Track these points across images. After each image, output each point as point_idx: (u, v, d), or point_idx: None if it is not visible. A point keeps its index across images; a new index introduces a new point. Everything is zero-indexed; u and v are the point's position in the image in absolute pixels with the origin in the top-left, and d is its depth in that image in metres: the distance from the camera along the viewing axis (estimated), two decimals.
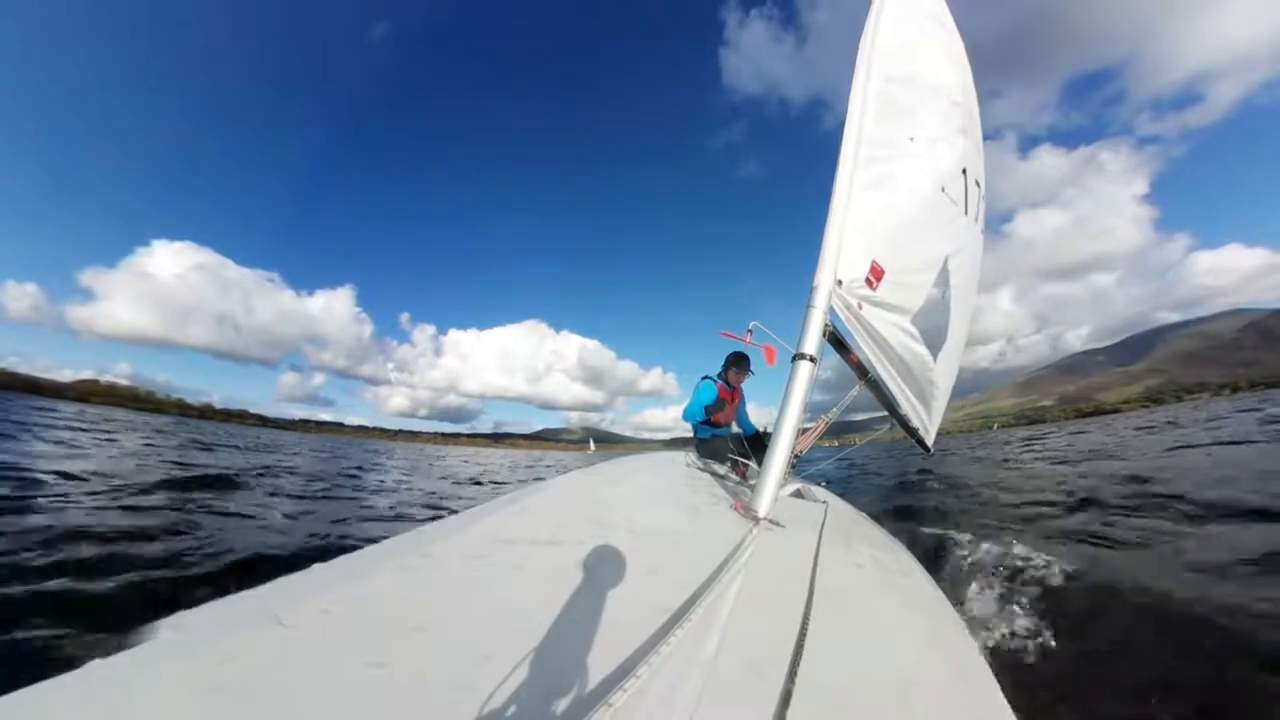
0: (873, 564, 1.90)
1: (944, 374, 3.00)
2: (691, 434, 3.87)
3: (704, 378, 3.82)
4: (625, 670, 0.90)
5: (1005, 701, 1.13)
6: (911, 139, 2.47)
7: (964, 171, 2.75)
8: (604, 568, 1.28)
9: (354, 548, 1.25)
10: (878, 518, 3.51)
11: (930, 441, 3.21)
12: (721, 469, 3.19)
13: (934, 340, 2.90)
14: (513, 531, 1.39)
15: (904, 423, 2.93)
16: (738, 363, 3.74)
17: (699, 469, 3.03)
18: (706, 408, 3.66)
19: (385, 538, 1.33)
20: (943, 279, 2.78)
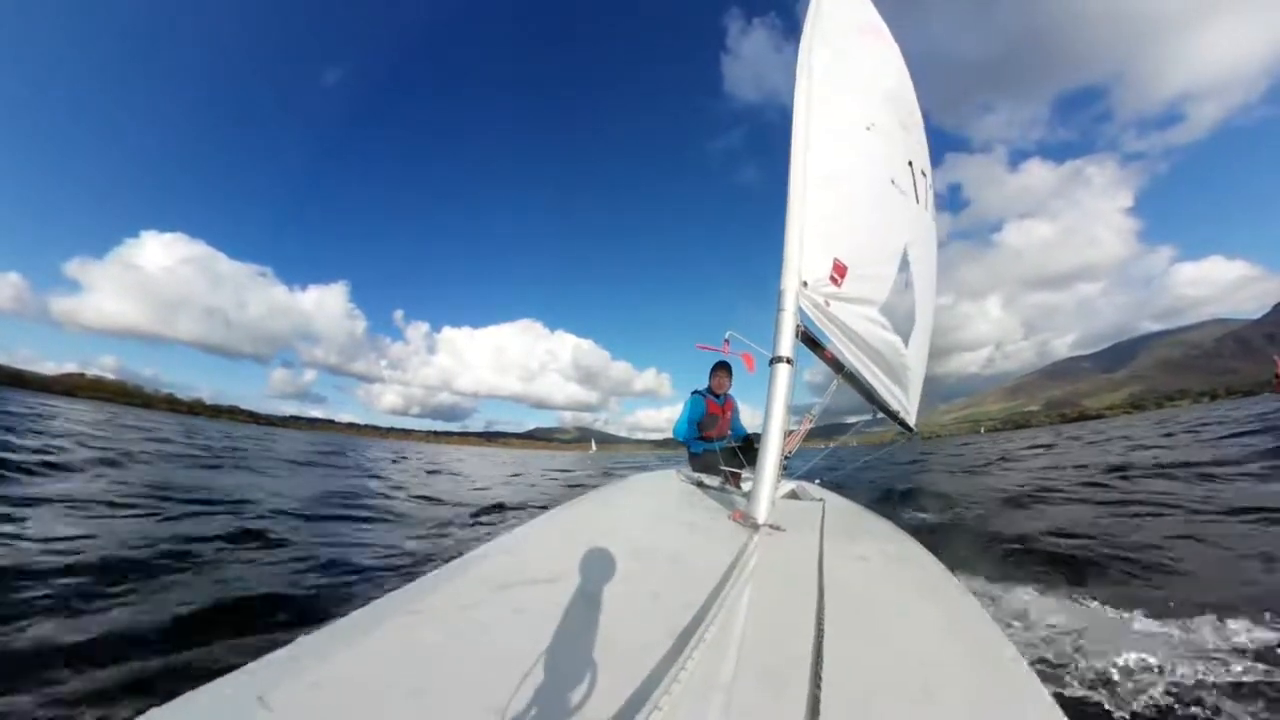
0: (879, 555, 1.91)
1: (916, 356, 3.12)
2: (673, 435, 3.90)
3: (694, 393, 3.88)
4: (641, 700, 0.86)
5: (1038, 680, 1.09)
6: (855, 140, 2.60)
7: (910, 163, 2.89)
8: (608, 598, 1.25)
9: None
10: (876, 506, 3.58)
11: (912, 422, 3.33)
12: (714, 481, 3.20)
13: (903, 326, 3.03)
14: (508, 574, 1.35)
15: (884, 408, 3.03)
16: (717, 371, 3.81)
17: (692, 484, 3.03)
18: (697, 424, 3.70)
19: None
20: (904, 267, 2.90)
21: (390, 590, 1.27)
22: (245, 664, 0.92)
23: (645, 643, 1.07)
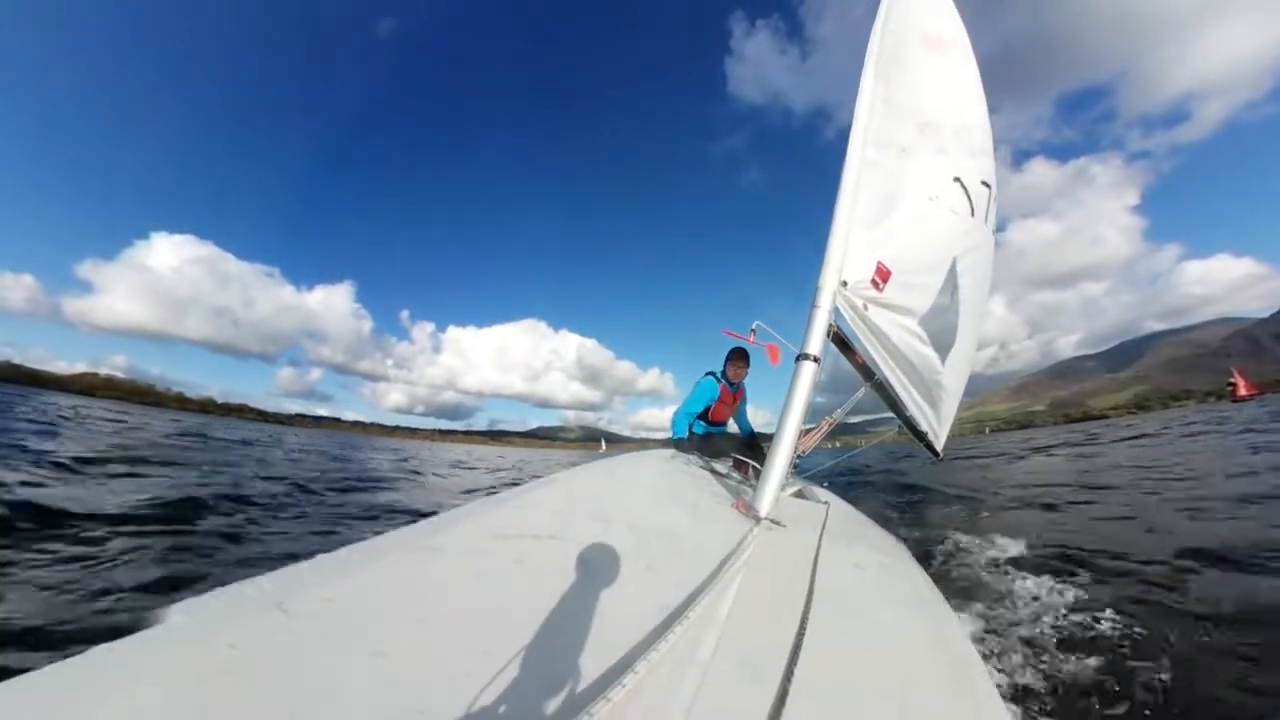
0: (874, 566, 1.89)
1: (953, 377, 2.96)
2: (671, 433, 3.75)
3: (707, 373, 3.81)
4: (623, 667, 0.90)
5: (1003, 705, 1.11)
6: (908, 145, 2.47)
7: (968, 174, 2.73)
8: (604, 564, 1.27)
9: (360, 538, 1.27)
10: (879, 519, 3.46)
11: (940, 446, 3.17)
12: (723, 467, 3.16)
13: (942, 342, 2.87)
14: (514, 526, 1.39)
15: (912, 426, 2.89)
16: (738, 359, 3.72)
17: (700, 466, 3.00)
18: (707, 408, 3.63)
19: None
20: (950, 280, 2.75)
21: (405, 525, 1.34)
22: (274, 570, 1.01)
23: (634, 613, 1.10)
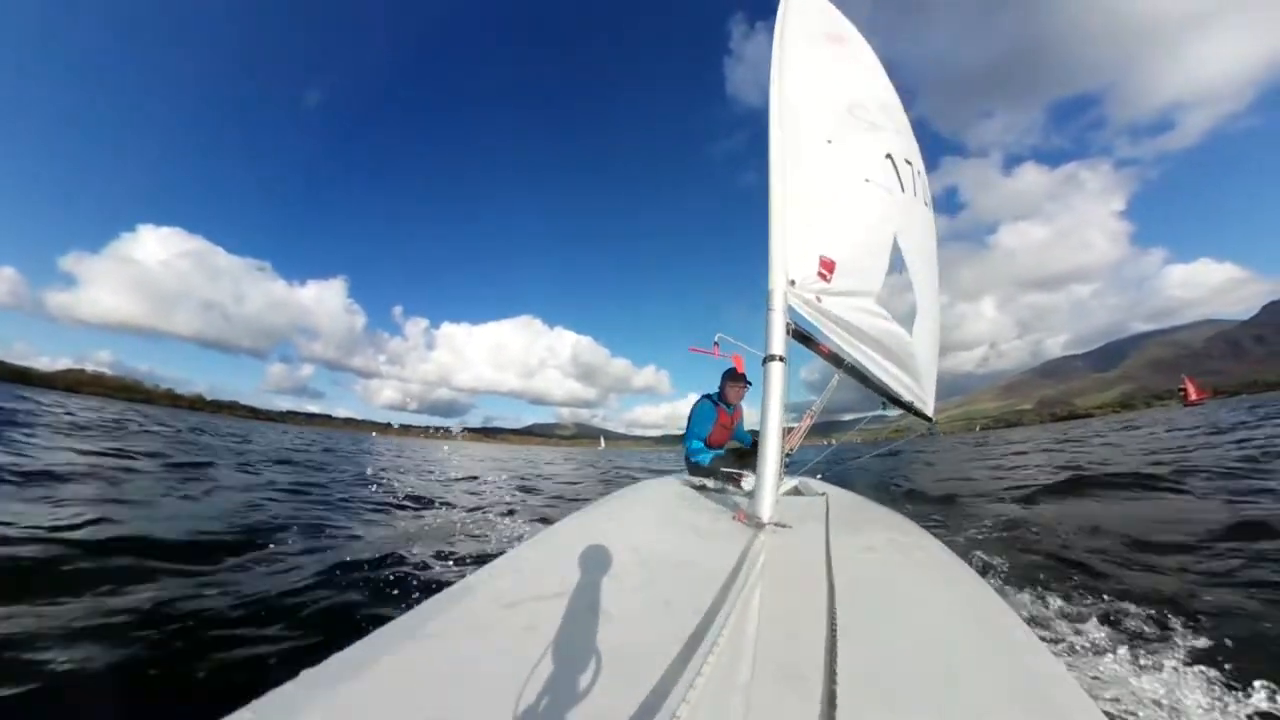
0: (886, 545, 1.89)
1: (923, 343, 3.08)
2: (694, 461, 3.66)
3: (703, 397, 3.81)
4: (660, 708, 0.86)
5: (1054, 658, 1.09)
6: (829, 140, 2.66)
7: (888, 156, 2.91)
8: (619, 608, 1.23)
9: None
10: (879, 497, 3.52)
11: (930, 411, 3.25)
12: (715, 484, 3.18)
13: (905, 313, 3.00)
14: (516, 592, 1.32)
15: (896, 399, 2.98)
16: (735, 380, 3.70)
17: (693, 488, 3.02)
18: (706, 438, 3.64)
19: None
20: (897, 254, 2.89)
21: (399, 613, 1.23)
22: (250, 701, 0.87)
23: (660, 650, 1.05)
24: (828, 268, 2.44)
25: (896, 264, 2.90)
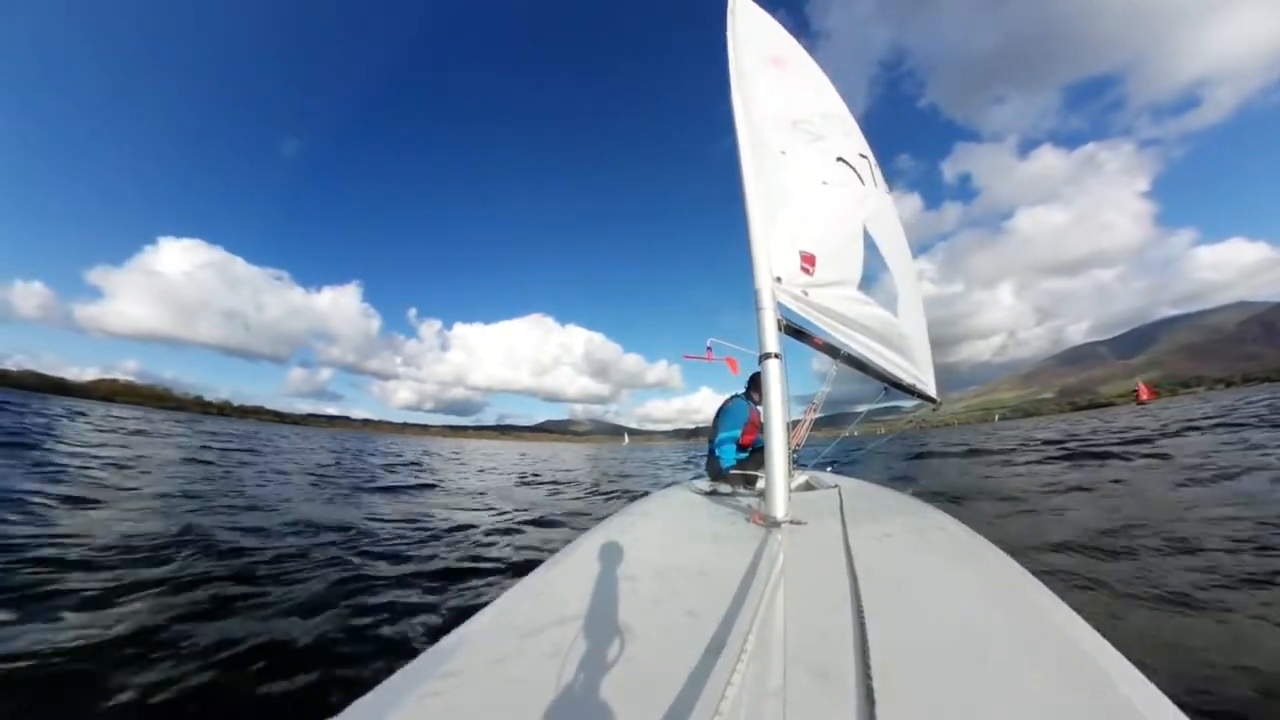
0: (904, 529, 1.86)
1: (911, 322, 3.11)
2: (721, 462, 3.59)
3: (735, 397, 3.74)
4: None
5: (1088, 626, 1.06)
6: (786, 146, 2.77)
7: (840, 159, 3.05)
8: (643, 624, 1.19)
9: None
10: (892, 482, 3.46)
11: (932, 392, 3.24)
12: (725, 487, 3.13)
13: (888, 296, 3.05)
14: (536, 619, 1.28)
15: (897, 383, 2.98)
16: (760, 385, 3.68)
17: (704, 493, 2.96)
18: (738, 439, 3.56)
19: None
20: (870, 242, 2.96)
21: (420, 651, 1.19)
22: None
23: (687, 662, 1.02)
24: (809, 262, 2.47)
25: (871, 252, 2.96)
